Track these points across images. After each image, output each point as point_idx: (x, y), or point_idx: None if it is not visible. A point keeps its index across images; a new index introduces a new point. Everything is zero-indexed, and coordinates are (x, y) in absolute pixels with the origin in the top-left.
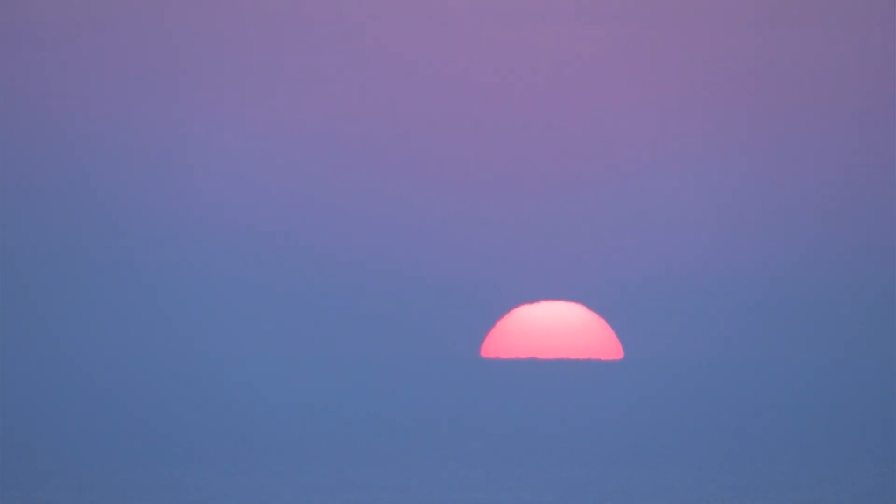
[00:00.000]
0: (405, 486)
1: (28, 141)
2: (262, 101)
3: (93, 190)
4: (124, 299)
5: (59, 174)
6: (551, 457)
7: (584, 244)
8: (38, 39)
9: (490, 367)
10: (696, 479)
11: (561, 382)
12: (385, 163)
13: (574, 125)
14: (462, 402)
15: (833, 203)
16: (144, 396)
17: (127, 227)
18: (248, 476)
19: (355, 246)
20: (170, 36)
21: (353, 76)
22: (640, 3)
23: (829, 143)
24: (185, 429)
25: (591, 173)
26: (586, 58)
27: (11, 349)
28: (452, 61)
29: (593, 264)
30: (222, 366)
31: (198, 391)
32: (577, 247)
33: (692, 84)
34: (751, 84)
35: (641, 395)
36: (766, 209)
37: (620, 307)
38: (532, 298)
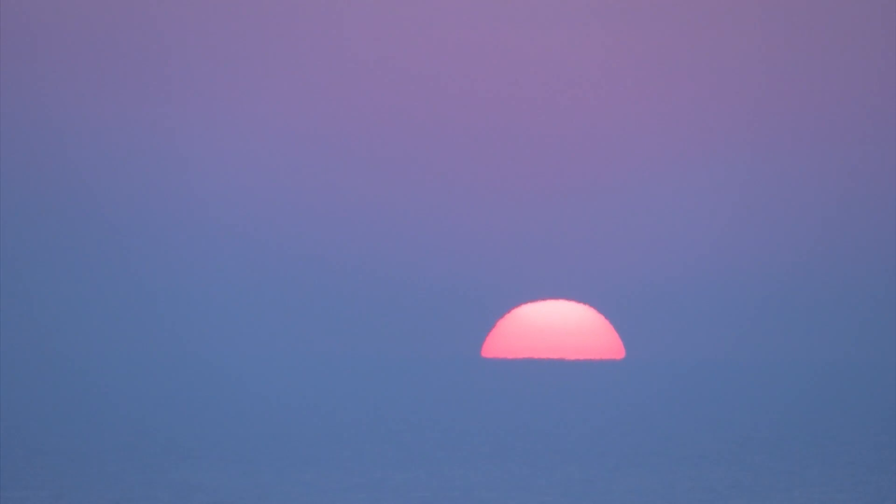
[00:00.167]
0: (406, 486)
1: (27, 141)
2: (263, 102)
3: (93, 190)
4: (125, 299)
5: (59, 174)
6: (553, 456)
7: (586, 244)
8: (38, 39)
9: (491, 366)
10: (697, 479)
11: (562, 382)
12: (386, 164)
13: (578, 126)
14: (463, 402)
15: (834, 205)
16: (145, 396)
17: (127, 227)
18: (248, 476)
19: (358, 247)
20: (169, 36)
21: (356, 77)
22: (647, 6)
23: (829, 146)
24: (186, 429)
25: (595, 175)
26: (593, 59)
27: (11, 349)
28: (456, 63)
29: (596, 264)
30: (223, 366)
31: (198, 391)
32: (580, 247)
33: (696, 90)
34: (754, 90)
35: (643, 395)
36: (767, 212)
37: (622, 307)
38: (534, 298)
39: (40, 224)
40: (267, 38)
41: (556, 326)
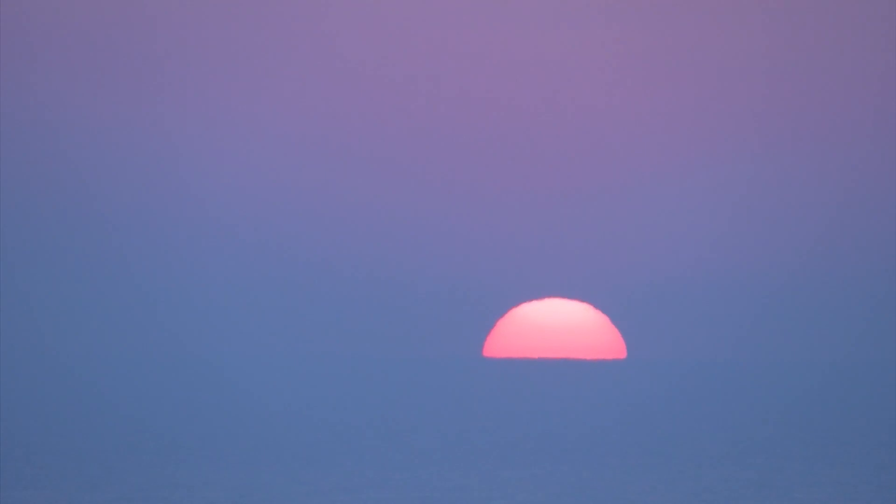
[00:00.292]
0: (408, 486)
1: (26, 141)
2: (264, 102)
3: (93, 190)
4: (125, 299)
5: (59, 174)
6: (554, 456)
7: (589, 243)
8: (37, 39)
9: (492, 366)
10: (698, 479)
11: (564, 382)
12: (387, 164)
13: (581, 126)
14: (464, 402)
15: (836, 206)
16: (145, 397)
17: (127, 227)
18: (248, 476)
19: (359, 246)
20: (168, 37)
21: (356, 77)
22: (653, 5)
23: (832, 147)
24: (186, 429)
25: (598, 174)
26: (594, 58)
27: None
28: (456, 63)
29: (598, 263)
30: (223, 366)
31: (198, 391)
32: (582, 246)
33: (699, 91)
34: (756, 91)
35: (645, 395)
36: (770, 212)
37: (624, 306)
38: (536, 296)
39: (40, 224)
40: (267, 38)
41: (558, 326)
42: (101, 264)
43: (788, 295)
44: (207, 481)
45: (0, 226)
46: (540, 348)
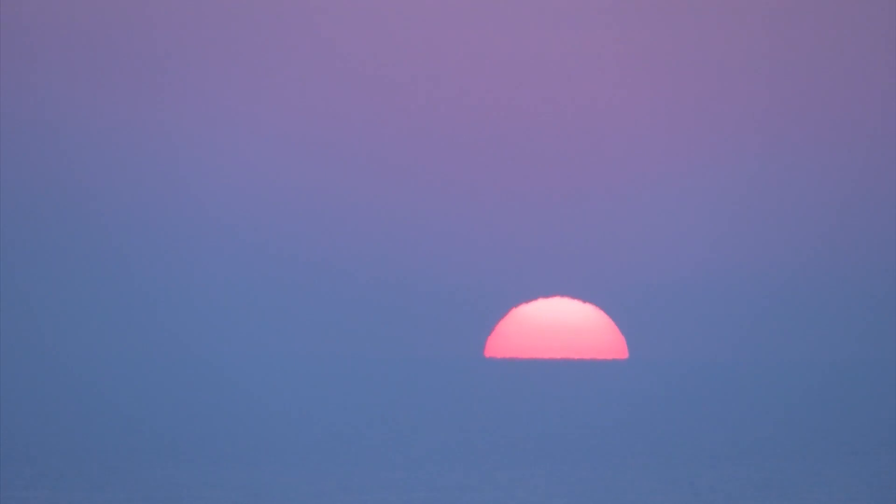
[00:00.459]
0: (409, 487)
1: (25, 141)
2: (265, 103)
3: (94, 191)
4: (125, 300)
5: (59, 175)
6: (555, 456)
7: (591, 243)
8: (37, 39)
9: (494, 367)
10: (699, 479)
11: (565, 382)
12: (388, 164)
13: (583, 126)
14: (465, 402)
15: (838, 206)
16: (145, 397)
17: (128, 227)
18: (249, 477)
19: (360, 247)
20: (168, 37)
21: (356, 78)
22: (655, 5)
23: (834, 148)
24: (187, 430)
25: (601, 174)
26: (595, 57)
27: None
28: (456, 63)
29: (600, 263)
30: (223, 367)
31: (199, 392)
32: (584, 246)
33: (702, 91)
34: (758, 91)
35: (646, 395)
36: (773, 212)
37: (626, 306)
38: (537, 296)
39: (40, 224)
40: (266, 39)
41: (560, 325)
42: (102, 264)
43: (790, 295)
44: (208, 482)
45: (0, 226)
46: (541, 348)
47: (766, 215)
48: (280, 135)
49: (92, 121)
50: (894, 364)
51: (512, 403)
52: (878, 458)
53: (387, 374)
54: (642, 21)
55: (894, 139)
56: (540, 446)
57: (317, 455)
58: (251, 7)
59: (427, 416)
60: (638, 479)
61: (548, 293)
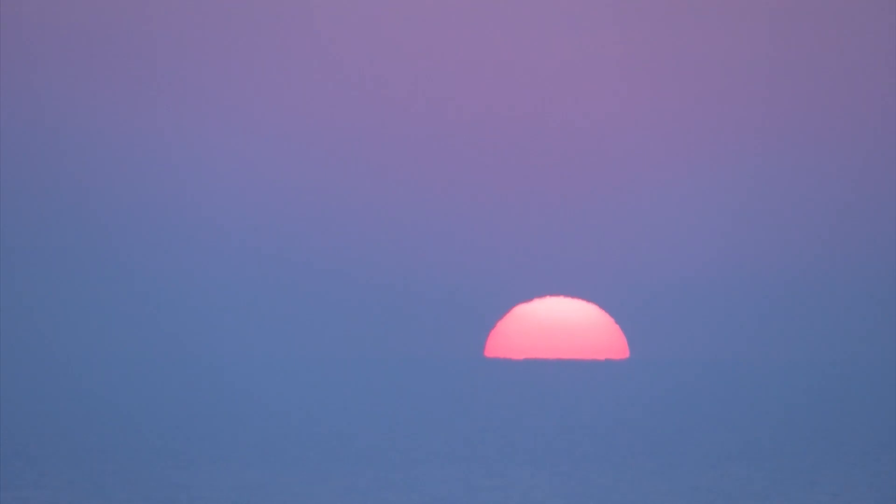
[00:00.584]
0: (409, 487)
1: (25, 141)
2: (265, 103)
3: (93, 191)
4: (124, 301)
5: (59, 175)
6: (556, 456)
7: (592, 242)
8: (37, 39)
9: (494, 367)
10: (701, 480)
11: (565, 382)
12: (388, 164)
13: (584, 125)
14: (465, 402)
15: (839, 207)
16: (145, 398)
17: (128, 228)
18: (250, 478)
19: (360, 247)
20: (168, 37)
21: (356, 78)
22: (656, 7)
23: (835, 148)
24: (187, 430)
25: (602, 173)
26: (596, 56)
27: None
28: (457, 61)
29: (601, 262)
30: (223, 368)
31: (199, 393)
32: (585, 245)
33: (703, 90)
34: (760, 92)
35: (647, 395)
36: (774, 212)
37: (627, 305)
38: (537, 295)
39: (40, 224)
40: (266, 39)
41: (560, 325)
42: (102, 265)
43: (791, 295)
44: (208, 483)
45: (0, 226)
46: (542, 348)
47: (767, 215)
48: (280, 136)
49: (91, 121)
50: (894, 364)
51: (512, 403)
52: (878, 458)
53: (387, 374)
54: (643, 20)
55: (894, 140)
56: (540, 446)
57: (317, 455)
58: (251, 7)
59: (427, 416)
60: (638, 478)
61: (548, 292)
